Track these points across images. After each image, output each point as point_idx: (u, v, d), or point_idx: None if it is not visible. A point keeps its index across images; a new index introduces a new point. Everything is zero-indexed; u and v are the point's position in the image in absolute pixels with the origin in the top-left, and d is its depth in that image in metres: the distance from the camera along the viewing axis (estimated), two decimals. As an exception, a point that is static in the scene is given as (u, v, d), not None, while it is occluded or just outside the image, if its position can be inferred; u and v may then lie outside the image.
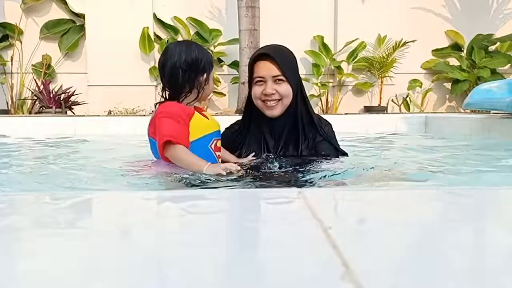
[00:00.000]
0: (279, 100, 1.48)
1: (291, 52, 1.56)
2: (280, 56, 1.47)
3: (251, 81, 1.53)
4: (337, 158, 1.54)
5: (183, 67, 1.38)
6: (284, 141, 1.53)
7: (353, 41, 5.68)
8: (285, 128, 1.52)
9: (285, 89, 1.47)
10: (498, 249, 0.52)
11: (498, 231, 0.59)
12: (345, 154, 1.61)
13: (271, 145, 1.55)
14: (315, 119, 1.55)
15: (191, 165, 1.31)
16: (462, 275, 0.43)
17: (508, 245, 0.52)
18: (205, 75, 1.42)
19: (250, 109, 1.59)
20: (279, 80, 1.46)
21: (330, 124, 1.61)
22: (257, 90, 1.50)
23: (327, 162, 1.48)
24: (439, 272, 0.42)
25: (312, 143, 1.53)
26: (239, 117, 1.74)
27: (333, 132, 1.60)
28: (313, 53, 5.73)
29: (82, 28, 5.56)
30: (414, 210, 0.71)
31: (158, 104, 1.45)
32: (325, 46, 5.79)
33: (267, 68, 1.47)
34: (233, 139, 1.61)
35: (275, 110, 1.49)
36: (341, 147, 1.62)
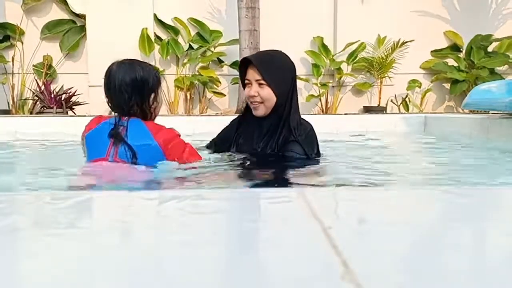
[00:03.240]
0: (261, 102, 1.64)
1: (283, 60, 1.68)
2: (263, 63, 1.62)
3: (243, 82, 1.71)
4: (306, 158, 1.61)
5: (128, 90, 1.34)
6: (268, 137, 1.67)
7: (354, 42, 5.69)
8: (271, 126, 1.67)
9: (267, 93, 1.62)
10: (498, 249, 0.52)
11: (498, 231, 0.59)
12: (317, 156, 1.69)
13: (258, 139, 1.70)
14: (294, 122, 1.66)
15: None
16: (462, 275, 0.43)
17: (508, 245, 0.52)
18: (152, 95, 1.40)
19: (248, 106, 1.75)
20: (262, 84, 1.62)
21: (311, 128, 1.69)
22: (246, 91, 1.69)
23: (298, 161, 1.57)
24: (439, 272, 0.42)
25: (282, 142, 1.64)
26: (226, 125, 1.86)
27: (313, 135, 1.69)
28: (313, 54, 5.74)
29: (83, 28, 5.56)
30: (414, 210, 0.71)
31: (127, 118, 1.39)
32: (324, 47, 5.79)
33: (252, 72, 1.63)
34: (230, 133, 1.80)
35: (259, 111, 1.66)
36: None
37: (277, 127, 1.65)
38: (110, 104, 1.41)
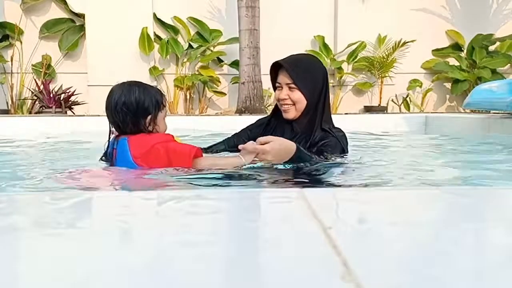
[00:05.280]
0: (293, 105, 1.65)
1: (313, 63, 1.70)
2: (294, 67, 1.63)
3: (274, 85, 1.72)
4: (337, 158, 1.57)
5: (124, 109, 1.37)
6: (300, 138, 1.66)
7: (355, 43, 5.70)
8: (303, 128, 1.68)
9: (298, 96, 1.63)
10: (498, 249, 0.52)
11: (498, 231, 0.59)
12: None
13: (288, 139, 1.66)
14: (326, 125, 1.68)
15: (229, 164, 1.40)
16: (462, 275, 0.43)
17: (508, 245, 0.52)
18: (149, 117, 1.40)
19: (278, 108, 1.76)
20: (292, 87, 1.63)
21: (343, 133, 1.72)
22: (276, 94, 1.70)
23: (326, 163, 1.52)
24: (439, 272, 0.42)
25: (316, 141, 1.64)
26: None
27: (346, 141, 1.70)
28: (314, 53, 5.74)
29: (82, 28, 5.56)
30: (414, 210, 0.71)
31: (116, 137, 1.42)
32: (325, 46, 5.79)
33: (282, 76, 1.65)
34: (258, 131, 1.79)
35: (289, 114, 1.67)
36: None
37: (310, 129, 1.65)
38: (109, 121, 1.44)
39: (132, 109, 1.37)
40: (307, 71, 1.65)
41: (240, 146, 1.39)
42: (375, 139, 2.97)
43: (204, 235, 0.55)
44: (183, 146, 1.40)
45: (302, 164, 1.46)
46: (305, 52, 1.78)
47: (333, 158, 1.55)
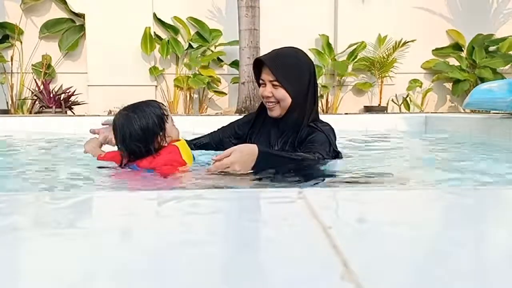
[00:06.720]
0: (277, 103, 1.59)
1: (298, 58, 1.61)
2: (276, 64, 1.56)
3: (258, 81, 1.66)
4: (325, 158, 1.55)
5: (134, 142, 1.38)
6: (287, 136, 1.62)
7: (355, 43, 5.70)
8: (289, 126, 1.62)
9: (281, 93, 1.57)
10: (498, 249, 0.52)
11: (499, 231, 0.59)
12: (338, 155, 1.62)
13: (275, 137, 1.66)
14: (314, 123, 1.62)
15: None
16: (462, 275, 0.43)
17: (509, 245, 0.52)
18: (159, 136, 1.41)
19: (263, 105, 1.70)
20: (275, 85, 1.56)
21: (330, 126, 1.65)
22: (260, 90, 1.63)
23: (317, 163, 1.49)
24: (439, 272, 0.42)
25: (304, 137, 1.59)
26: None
27: (333, 134, 1.64)
28: (317, 52, 5.73)
29: (82, 28, 5.56)
30: (414, 210, 0.71)
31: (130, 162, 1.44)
32: (328, 46, 5.79)
33: (266, 73, 1.59)
34: (246, 129, 1.76)
35: (274, 112, 1.61)
36: (339, 149, 1.64)
37: (296, 127, 1.59)
38: None
39: (140, 138, 1.38)
40: (291, 67, 1.57)
41: (206, 169, 1.39)
42: (374, 139, 2.97)
43: (204, 235, 0.55)
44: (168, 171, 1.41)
45: (280, 165, 1.41)
46: (290, 46, 1.63)
47: (321, 155, 1.49)
